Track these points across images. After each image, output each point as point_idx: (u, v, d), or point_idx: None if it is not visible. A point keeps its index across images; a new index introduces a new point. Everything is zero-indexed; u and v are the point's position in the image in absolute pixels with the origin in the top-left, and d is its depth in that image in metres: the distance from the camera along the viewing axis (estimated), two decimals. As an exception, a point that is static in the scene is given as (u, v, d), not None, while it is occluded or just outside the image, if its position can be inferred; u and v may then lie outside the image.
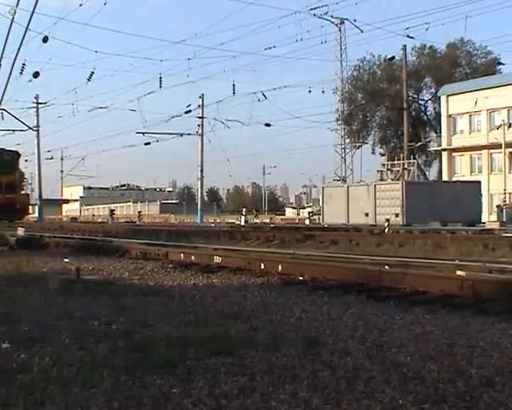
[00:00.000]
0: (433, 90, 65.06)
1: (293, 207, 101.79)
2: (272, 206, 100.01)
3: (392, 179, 40.50)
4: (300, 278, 8.32)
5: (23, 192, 43.05)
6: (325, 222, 37.50)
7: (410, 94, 60.95)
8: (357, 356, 4.21)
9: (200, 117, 51.27)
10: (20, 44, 18.13)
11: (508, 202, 44.57)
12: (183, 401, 3.30)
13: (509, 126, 50.36)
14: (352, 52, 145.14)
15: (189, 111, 49.97)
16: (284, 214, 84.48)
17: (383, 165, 45.55)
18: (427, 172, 64.92)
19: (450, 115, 56.83)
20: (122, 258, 12.13)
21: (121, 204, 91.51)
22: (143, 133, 49.62)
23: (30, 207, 45.91)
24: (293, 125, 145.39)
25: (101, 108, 50.53)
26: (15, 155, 41.89)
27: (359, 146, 61.77)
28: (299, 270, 8.67)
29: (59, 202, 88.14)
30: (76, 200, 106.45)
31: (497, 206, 42.54)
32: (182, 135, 52.65)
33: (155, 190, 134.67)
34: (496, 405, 3.23)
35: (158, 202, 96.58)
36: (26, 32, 17.29)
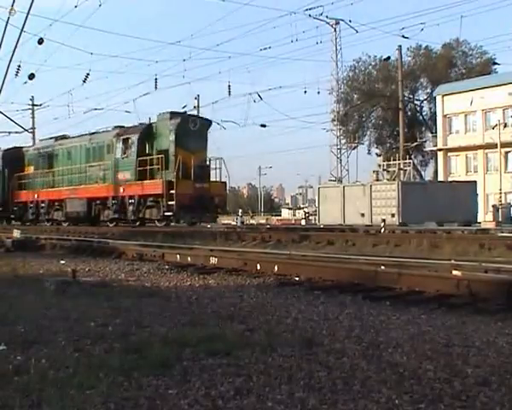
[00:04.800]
0: (428, 90, 65.28)
1: (290, 208, 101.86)
2: (268, 206, 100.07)
3: (387, 180, 40.53)
4: (296, 279, 8.33)
5: (216, 180, 27.61)
6: (321, 222, 37.49)
7: (406, 94, 61.05)
8: (354, 356, 4.21)
9: (196, 118, 51.12)
10: (16, 46, 18.15)
11: (503, 201, 44.70)
12: (179, 402, 3.30)
13: (505, 126, 50.47)
14: (347, 53, 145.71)
15: (185, 112, 49.94)
16: (280, 215, 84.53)
17: (379, 165, 45.58)
18: (423, 173, 65.05)
19: (446, 115, 56.96)
20: (118, 259, 12.12)
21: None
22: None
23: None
24: (289, 126, 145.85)
25: (96, 109, 50.39)
26: (206, 124, 28.55)
27: (355, 146, 61.86)
28: (295, 270, 8.68)
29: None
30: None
31: (493, 206, 42.66)
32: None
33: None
34: (492, 404, 3.23)
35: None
36: (21, 33, 17.31)
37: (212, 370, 3.90)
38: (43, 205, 33.42)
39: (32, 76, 32.24)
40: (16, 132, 51.89)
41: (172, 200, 25.05)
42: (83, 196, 30.03)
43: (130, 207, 27.29)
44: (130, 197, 27.28)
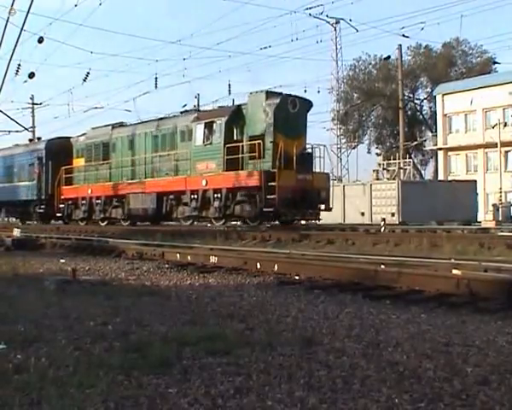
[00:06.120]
0: (428, 89, 65.37)
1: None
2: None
3: (387, 179, 40.56)
4: (296, 278, 8.33)
5: (319, 171, 23.30)
6: (321, 221, 37.45)
7: (406, 93, 61.09)
8: (354, 355, 4.21)
9: (196, 117, 50.99)
10: (16, 45, 18.18)
11: (503, 200, 44.68)
12: (179, 401, 3.30)
13: (505, 125, 50.44)
14: (347, 52, 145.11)
15: (185, 111, 49.94)
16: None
17: (379, 164, 45.62)
18: (423, 172, 65.17)
19: (446, 114, 56.97)
20: (118, 258, 12.12)
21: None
22: (140, 133, 48.95)
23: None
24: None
25: (96, 108, 50.34)
26: (307, 106, 23.82)
27: (355, 146, 61.98)
28: (295, 269, 8.68)
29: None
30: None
31: (493, 205, 42.65)
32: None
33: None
34: (492, 403, 3.23)
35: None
36: (21, 32, 17.35)
37: (212, 369, 3.90)
38: (98, 202, 28.89)
39: (32, 75, 32.23)
40: (16, 131, 51.80)
41: (273, 193, 20.95)
42: (151, 190, 25.68)
43: (216, 203, 22.99)
44: (216, 191, 22.96)
